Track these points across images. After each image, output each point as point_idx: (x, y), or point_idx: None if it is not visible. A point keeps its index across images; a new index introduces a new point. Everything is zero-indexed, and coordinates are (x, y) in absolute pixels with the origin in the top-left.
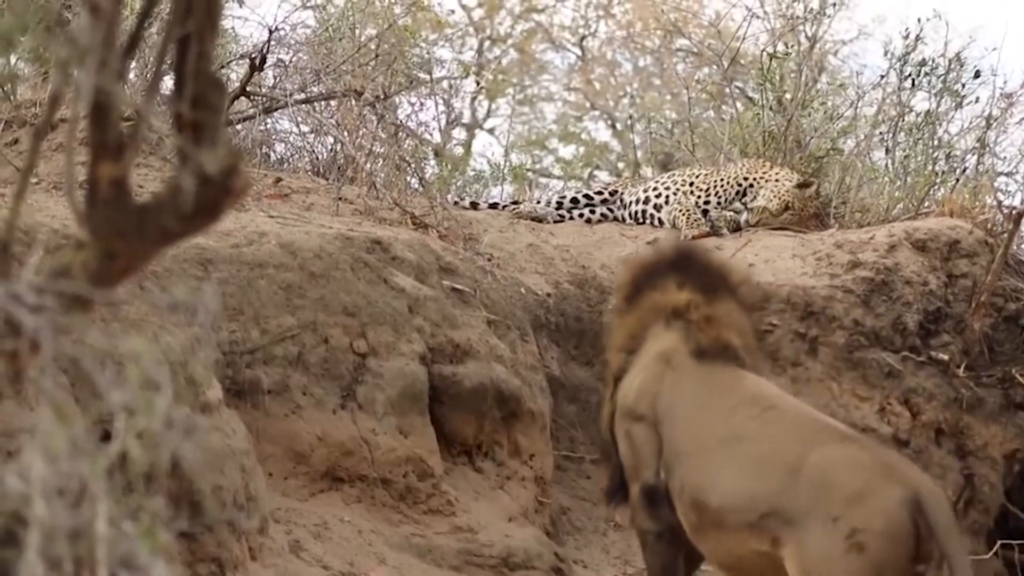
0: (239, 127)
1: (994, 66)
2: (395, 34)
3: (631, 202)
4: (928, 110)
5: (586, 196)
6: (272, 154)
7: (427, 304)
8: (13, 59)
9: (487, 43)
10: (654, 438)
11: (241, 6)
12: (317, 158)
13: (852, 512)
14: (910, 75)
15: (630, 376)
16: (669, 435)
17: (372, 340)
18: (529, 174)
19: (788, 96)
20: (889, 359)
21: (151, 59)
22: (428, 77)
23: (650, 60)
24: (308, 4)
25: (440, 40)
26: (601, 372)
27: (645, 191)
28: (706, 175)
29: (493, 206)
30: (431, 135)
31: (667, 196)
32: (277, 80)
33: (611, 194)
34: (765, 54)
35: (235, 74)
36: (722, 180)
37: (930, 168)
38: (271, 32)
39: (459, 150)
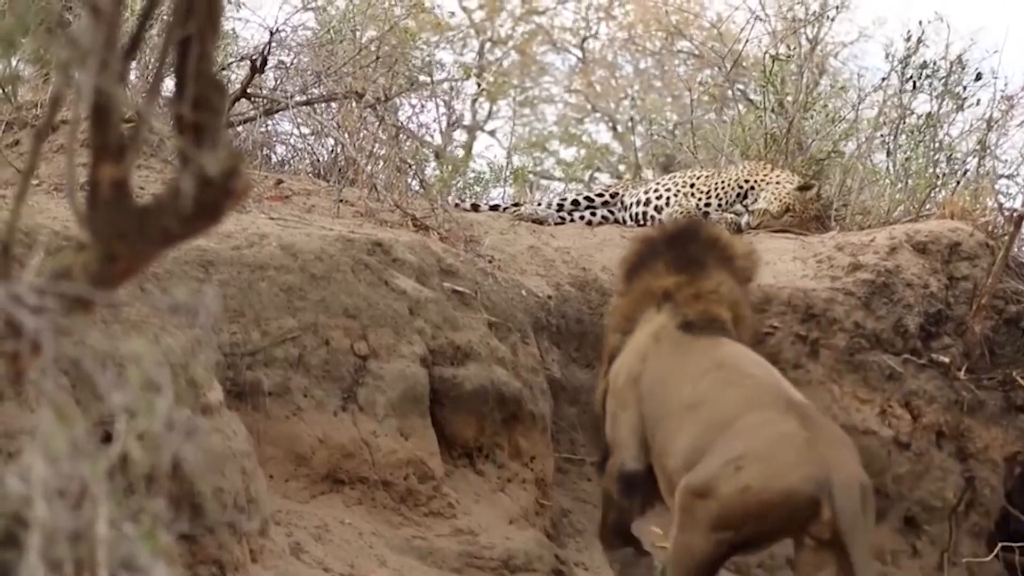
0: (240, 129)
1: (995, 68)
2: (396, 36)
3: (631, 204)
4: (929, 112)
5: (587, 198)
6: (273, 156)
7: (428, 306)
8: (14, 61)
9: (488, 45)
10: (638, 426)
11: (238, 10)
12: (318, 160)
13: (753, 470)
14: (911, 77)
15: (621, 357)
16: (648, 407)
17: (373, 342)
18: (530, 176)
19: (789, 98)
20: (890, 361)
21: (152, 61)
22: (429, 79)
23: (651, 62)
24: (309, 6)
25: (441, 42)
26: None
27: (646, 193)
28: (707, 177)
29: (494, 208)
30: (432, 137)
31: (668, 198)
32: (278, 82)
33: (612, 196)
34: (766, 56)
35: (236, 76)
36: (723, 182)
37: (931, 170)
38: (272, 34)
39: (460, 152)
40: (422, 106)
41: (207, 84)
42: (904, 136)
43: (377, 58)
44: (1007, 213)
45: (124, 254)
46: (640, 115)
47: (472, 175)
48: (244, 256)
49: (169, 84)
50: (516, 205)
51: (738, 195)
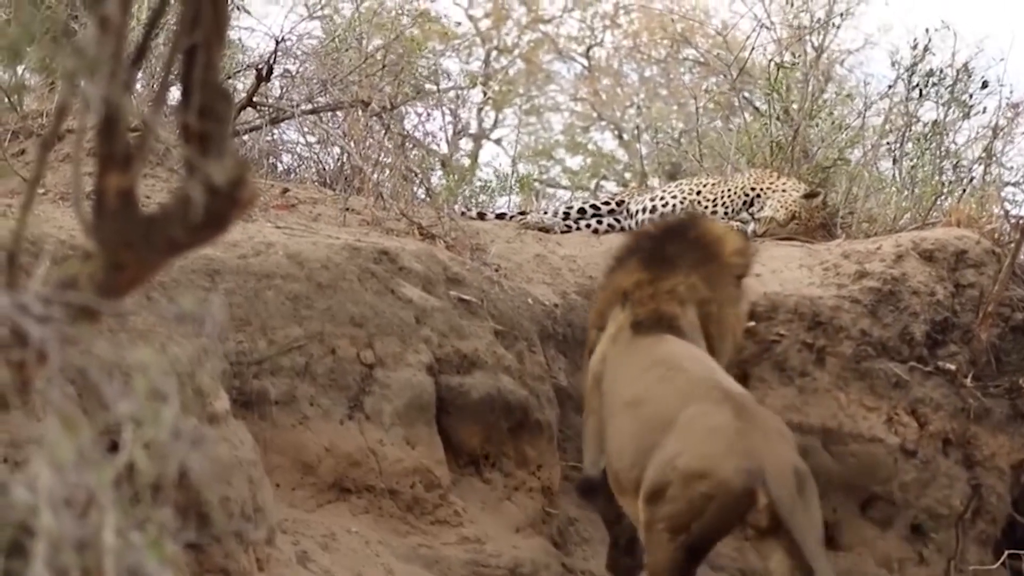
0: (246, 137)
1: (1001, 76)
2: (402, 45)
3: (637, 212)
4: (935, 120)
5: (593, 206)
6: (279, 164)
7: (434, 315)
8: (20, 70)
9: (494, 53)
10: (599, 429)
11: (239, 16)
12: (324, 168)
13: (688, 466)
14: (917, 85)
15: (592, 356)
16: (604, 409)
17: (379, 351)
18: (536, 184)
19: (795, 106)
20: (896, 369)
21: (158, 70)
22: (435, 87)
23: (657, 70)
24: (315, 14)
25: (447, 51)
26: None
27: (652, 201)
28: (713, 185)
29: (500, 216)
30: (438, 145)
31: (673, 206)
32: (284, 91)
33: (618, 204)
34: (772, 64)
35: (242, 84)
36: (729, 190)
37: (937, 178)
38: (278, 42)
39: (466, 160)
40: (428, 115)
41: (213, 93)
42: (910, 144)
43: (383, 67)
44: (1013, 221)
45: (130, 263)
46: (646, 123)
47: (478, 183)
48: (250, 265)
49: (175, 93)
50: (522, 213)
51: (744, 203)
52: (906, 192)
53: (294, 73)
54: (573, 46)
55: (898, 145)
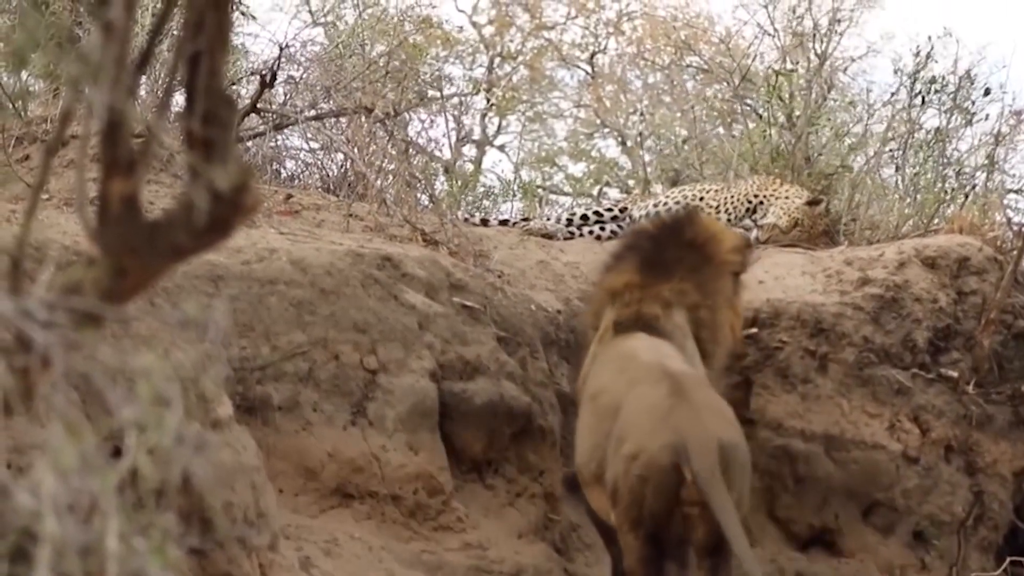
0: (250, 144)
1: (1003, 83)
2: (405, 51)
3: (640, 218)
4: (938, 127)
5: (596, 213)
6: (282, 171)
7: (437, 321)
8: (25, 76)
9: (497, 60)
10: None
11: (242, 22)
12: (327, 175)
13: (625, 449)
14: (920, 92)
15: (587, 356)
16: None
17: (382, 357)
18: (539, 191)
19: (797, 113)
20: (899, 376)
21: (162, 76)
22: (438, 94)
23: (660, 77)
24: (319, 21)
25: (450, 57)
26: None
27: (655, 207)
28: (716, 192)
29: (503, 223)
30: (441, 152)
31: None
32: (287, 97)
33: (621, 211)
34: (774, 71)
35: (246, 91)
36: (732, 197)
37: (940, 185)
38: (282, 49)
39: (469, 167)
40: (431, 121)
41: (217, 99)
42: (913, 151)
43: (387, 73)
44: (1016, 228)
45: (134, 269)
46: (649, 130)
47: (481, 190)
48: (254, 271)
49: (179, 99)
50: (525, 220)
51: (747, 210)
52: (908, 199)
53: (298, 79)
54: (576, 53)
55: (900, 152)
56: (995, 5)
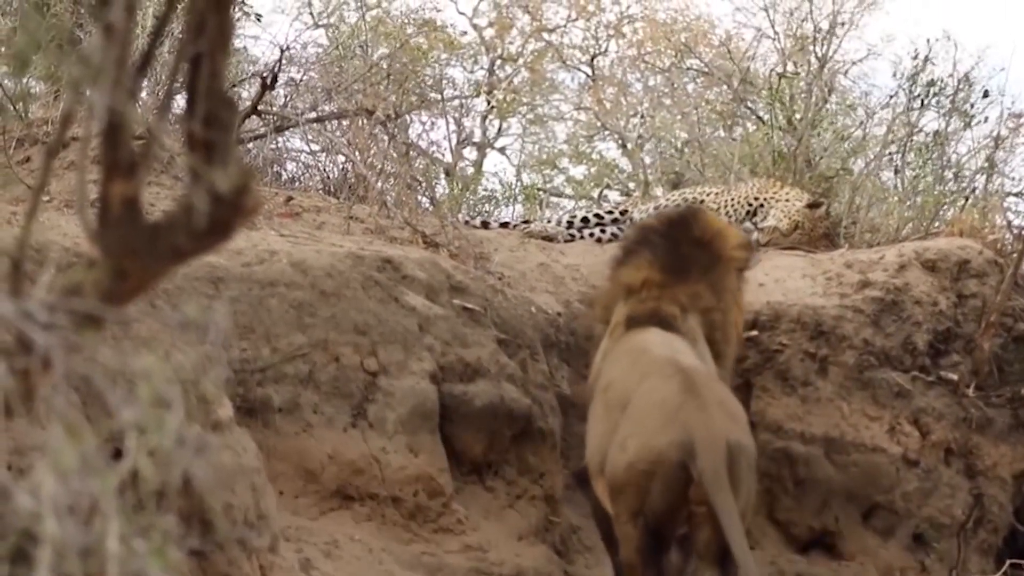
0: (250, 145)
1: (1002, 86)
2: (406, 53)
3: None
4: (937, 130)
5: (596, 215)
6: (283, 173)
7: (438, 323)
8: (26, 78)
9: (498, 62)
10: None
11: (244, 24)
12: (328, 177)
13: (632, 444)
14: (919, 95)
15: (597, 352)
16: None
17: (383, 359)
18: (540, 193)
19: (798, 116)
20: (899, 379)
21: (163, 78)
22: (439, 96)
23: (660, 80)
24: (320, 23)
25: (451, 60)
26: None
27: (655, 209)
28: (716, 194)
29: (504, 225)
30: (442, 154)
31: None
32: (288, 99)
33: (621, 213)
34: (775, 74)
35: (247, 93)
36: (732, 200)
37: (939, 188)
38: (283, 51)
39: (470, 169)
40: (432, 123)
41: (218, 101)
42: (912, 154)
43: (387, 75)
44: (1016, 231)
45: (135, 271)
46: (649, 132)
47: (482, 192)
48: (254, 273)
49: (180, 101)
50: (526, 222)
51: (748, 212)
52: (908, 202)
53: (299, 81)
54: (577, 55)
55: (900, 155)
56: (994, 8)
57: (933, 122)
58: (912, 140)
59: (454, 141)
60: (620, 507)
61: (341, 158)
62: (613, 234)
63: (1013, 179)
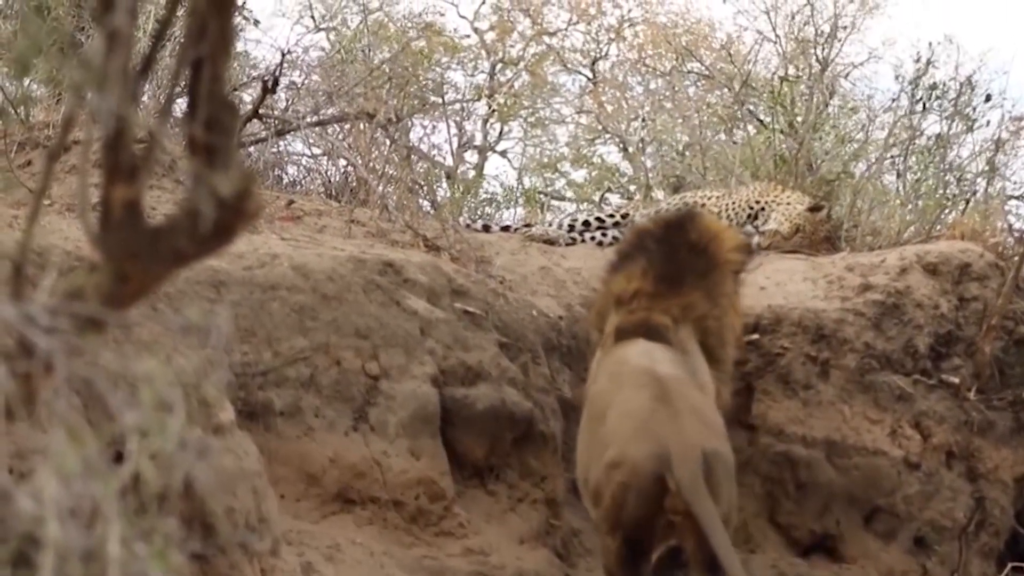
0: (252, 149)
1: (1004, 89)
2: (408, 57)
3: None
4: (939, 133)
5: (598, 219)
6: (284, 176)
7: (439, 326)
8: (27, 81)
9: (499, 66)
10: None
11: (245, 28)
12: (329, 180)
13: (608, 456)
14: (921, 98)
15: (593, 359)
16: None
17: (384, 362)
18: (541, 197)
19: (799, 119)
20: (900, 382)
21: (164, 82)
22: (440, 100)
23: (661, 83)
24: (321, 27)
25: (452, 63)
26: None
27: (656, 213)
28: (718, 198)
29: (505, 229)
30: (443, 158)
31: None
32: (290, 102)
33: (623, 217)
34: (776, 77)
35: (248, 96)
36: (733, 203)
37: (941, 191)
38: (284, 54)
39: (471, 173)
40: (433, 127)
41: (219, 105)
42: (914, 157)
43: (389, 79)
44: (1017, 234)
45: (136, 274)
46: (650, 136)
47: (483, 196)
48: (256, 276)
49: (181, 105)
50: (527, 226)
51: (749, 216)
52: (910, 205)
53: (300, 85)
54: (578, 58)
55: (902, 158)
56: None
57: (935, 125)
58: (913, 143)
59: (455, 144)
60: (600, 519)
61: (342, 162)
62: (614, 237)
63: (1014, 182)
